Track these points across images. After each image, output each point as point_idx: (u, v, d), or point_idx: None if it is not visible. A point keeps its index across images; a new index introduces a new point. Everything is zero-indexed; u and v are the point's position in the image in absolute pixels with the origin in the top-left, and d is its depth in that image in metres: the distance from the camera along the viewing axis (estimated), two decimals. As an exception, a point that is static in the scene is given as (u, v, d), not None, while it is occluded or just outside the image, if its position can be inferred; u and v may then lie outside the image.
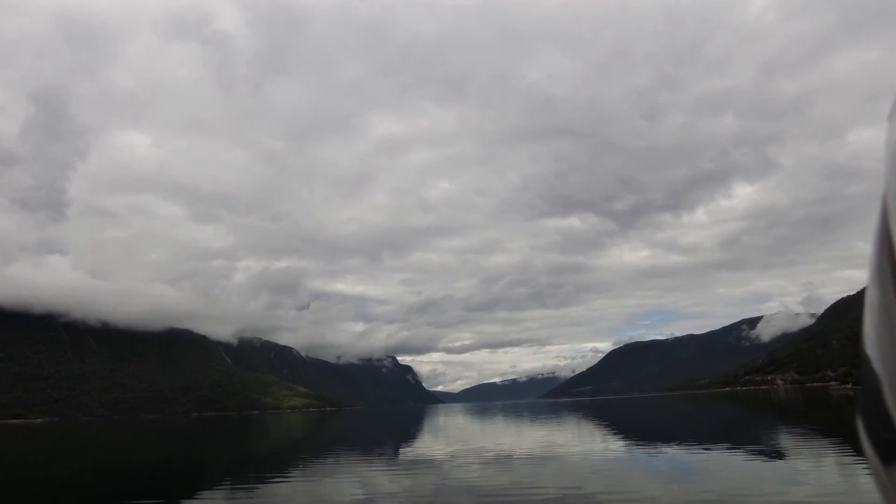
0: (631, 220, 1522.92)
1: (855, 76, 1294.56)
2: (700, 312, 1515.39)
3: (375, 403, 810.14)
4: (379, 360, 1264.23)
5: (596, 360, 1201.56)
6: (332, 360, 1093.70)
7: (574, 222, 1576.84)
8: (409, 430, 68.70)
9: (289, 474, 27.06)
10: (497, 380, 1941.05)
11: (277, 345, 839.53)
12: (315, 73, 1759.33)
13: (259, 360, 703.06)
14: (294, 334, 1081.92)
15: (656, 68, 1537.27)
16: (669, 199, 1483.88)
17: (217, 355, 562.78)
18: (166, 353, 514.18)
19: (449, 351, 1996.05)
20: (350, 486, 21.80)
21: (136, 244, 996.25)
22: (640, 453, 30.09)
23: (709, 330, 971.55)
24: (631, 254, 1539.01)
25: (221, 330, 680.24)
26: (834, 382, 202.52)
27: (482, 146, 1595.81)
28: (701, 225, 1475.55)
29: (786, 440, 33.68)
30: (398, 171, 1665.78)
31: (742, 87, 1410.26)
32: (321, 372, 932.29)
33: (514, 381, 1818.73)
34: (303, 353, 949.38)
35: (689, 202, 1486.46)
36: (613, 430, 50.27)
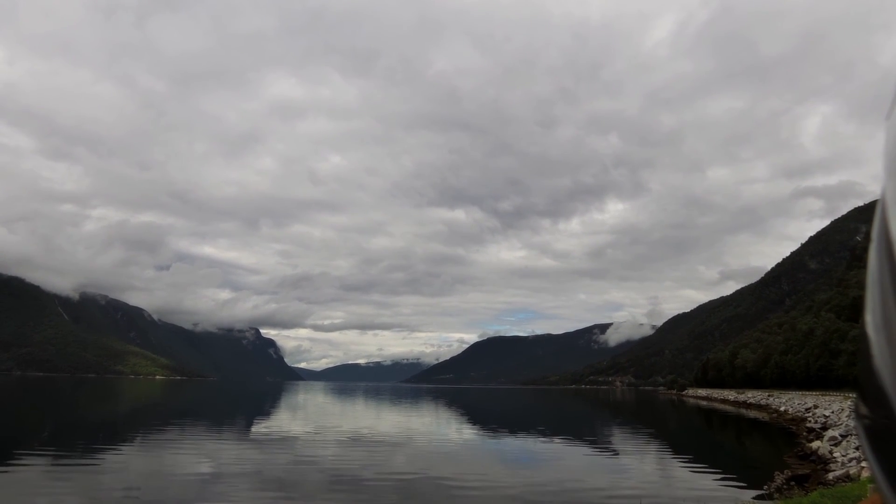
0: (513, 220, 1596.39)
1: (722, 120, 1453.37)
2: (560, 314, 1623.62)
3: (232, 376, 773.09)
4: (240, 332, 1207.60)
5: (460, 350, 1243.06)
6: (187, 326, 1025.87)
7: (460, 215, 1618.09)
8: (264, 405, 66.41)
9: (123, 445, 24.90)
10: (362, 361, 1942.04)
11: (126, 305, 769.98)
12: (212, 17, 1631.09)
13: (103, 319, 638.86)
14: (148, 295, 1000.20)
15: (557, 80, 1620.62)
16: (550, 206, 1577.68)
17: (52, 309, 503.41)
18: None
19: (317, 328, 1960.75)
20: (193, 462, 20.54)
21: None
22: (491, 441, 31.68)
23: (565, 331, 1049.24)
24: (508, 252, 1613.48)
25: (60, 282, 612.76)
26: (662, 388, 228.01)
27: (381, 126, 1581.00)
28: (574, 234, 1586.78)
29: (618, 437, 37.34)
30: (290, 137, 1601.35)
31: (628, 112, 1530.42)
32: (174, 338, 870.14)
33: (378, 363, 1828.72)
34: (155, 317, 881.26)
35: (567, 211, 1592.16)
36: (468, 417, 52.42)
